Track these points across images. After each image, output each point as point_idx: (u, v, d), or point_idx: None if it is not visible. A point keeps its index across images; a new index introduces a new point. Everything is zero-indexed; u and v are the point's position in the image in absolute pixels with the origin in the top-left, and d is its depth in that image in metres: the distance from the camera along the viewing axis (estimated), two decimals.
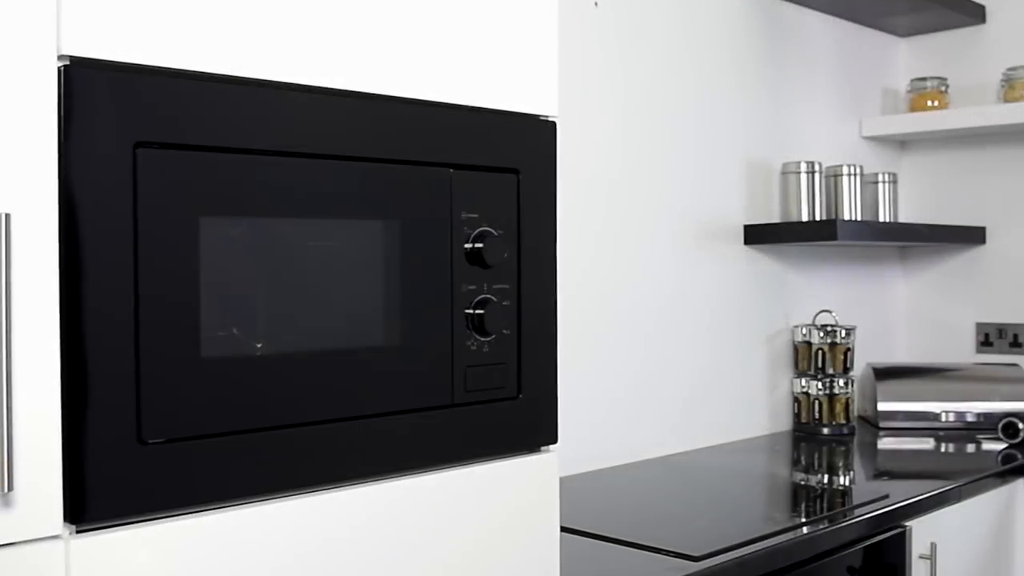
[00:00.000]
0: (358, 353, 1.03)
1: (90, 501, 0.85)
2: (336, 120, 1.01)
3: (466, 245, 1.12)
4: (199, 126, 0.92)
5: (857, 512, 1.74)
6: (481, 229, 1.13)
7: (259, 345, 0.96)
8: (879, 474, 2.15)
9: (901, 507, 1.81)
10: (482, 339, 1.13)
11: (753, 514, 1.82)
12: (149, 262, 0.88)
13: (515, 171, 1.17)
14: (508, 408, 1.16)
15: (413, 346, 1.07)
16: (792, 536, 1.58)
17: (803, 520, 1.71)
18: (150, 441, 0.89)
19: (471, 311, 1.12)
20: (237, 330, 0.94)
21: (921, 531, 1.85)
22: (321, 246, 1.00)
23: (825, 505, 1.87)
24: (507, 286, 1.15)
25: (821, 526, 1.66)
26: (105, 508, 0.86)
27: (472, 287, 1.12)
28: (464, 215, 1.11)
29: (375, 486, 1.04)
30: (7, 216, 0.78)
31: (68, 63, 0.84)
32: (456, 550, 1.11)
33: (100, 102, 0.86)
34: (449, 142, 1.10)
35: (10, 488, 0.79)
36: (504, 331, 1.15)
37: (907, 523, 1.83)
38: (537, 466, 1.19)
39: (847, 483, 2.06)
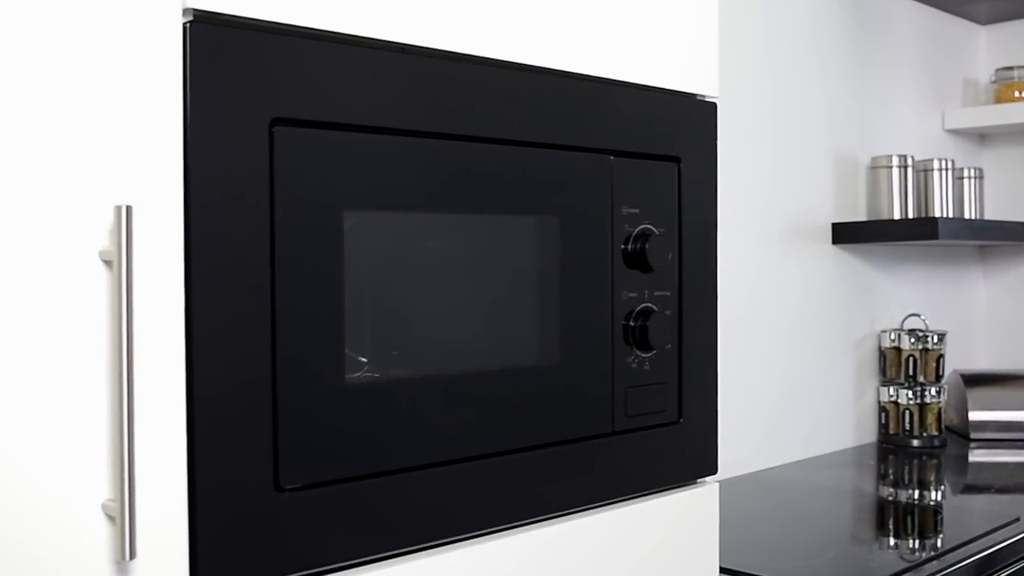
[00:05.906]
0: (513, 375, 0.86)
1: (219, 564, 0.69)
2: (493, 96, 0.84)
3: (624, 245, 0.95)
4: (341, 100, 0.75)
5: (997, 537, 1.57)
6: (643, 227, 0.96)
7: (403, 367, 0.79)
8: (994, 491, 1.97)
9: None
10: (643, 355, 0.96)
11: (881, 541, 1.65)
12: (288, 266, 0.72)
13: (676, 159, 1.00)
14: (669, 434, 0.99)
15: (570, 365, 0.90)
16: (939, 568, 1.42)
17: (947, 548, 1.54)
18: (288, 488, 0.72)
19: (631, 323, 0.95)
20: (380, 350, 0.78)
21: None
22: (469, 247, 0.84)
23: (955, 530, 1.70)
24: (668, 293, 0.98)
25: (962, 555, 1.49)
26: (236, 571, 0.69)
27: (632, 295, 0.95)
28: (625, 210, 0.94)
29: (535, 531, 0.87)
30: (128, 209, 0.62)
31: (192, 19, 0.68)
32: None
33: (231, 68, 0.69)
34: (609, 125, 0.93)
35: (132, 556, 0.62)
36: (667, 346, 0.98)
37: None
38: (698, 500, 1.02)
39: (965, 502, 1.89)
